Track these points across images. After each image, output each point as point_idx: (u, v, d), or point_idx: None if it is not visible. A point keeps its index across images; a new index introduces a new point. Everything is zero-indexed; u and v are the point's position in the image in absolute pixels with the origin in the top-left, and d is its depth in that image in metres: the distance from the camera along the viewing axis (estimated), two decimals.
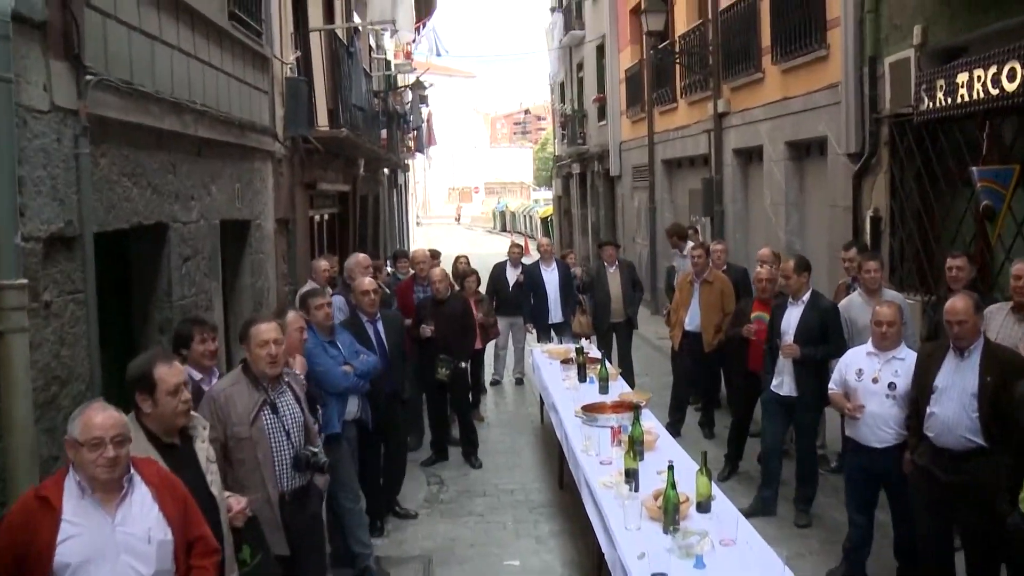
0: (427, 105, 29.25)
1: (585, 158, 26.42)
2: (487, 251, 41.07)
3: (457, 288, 9.92)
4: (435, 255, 11.54)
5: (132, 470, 3.47)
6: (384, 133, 18.10)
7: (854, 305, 7.33)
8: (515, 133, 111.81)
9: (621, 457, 6.03)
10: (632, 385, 10.11)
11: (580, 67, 27.42)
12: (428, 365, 8.85)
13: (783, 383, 7.21)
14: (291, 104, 10.13)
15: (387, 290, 9.91)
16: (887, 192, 9.07)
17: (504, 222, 55.76)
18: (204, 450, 4.00)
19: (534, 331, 12.12)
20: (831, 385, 6.21)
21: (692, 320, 9.79)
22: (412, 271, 10.26)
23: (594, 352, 10.11)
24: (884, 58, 8.95)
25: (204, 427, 4.10)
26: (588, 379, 8.63)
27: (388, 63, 22.28)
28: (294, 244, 10.46)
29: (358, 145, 12.99)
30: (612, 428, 6.50)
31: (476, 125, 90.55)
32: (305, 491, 4.98)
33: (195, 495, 3.72)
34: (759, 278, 8.38)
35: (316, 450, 5.01)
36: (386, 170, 24.02)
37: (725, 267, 10.37)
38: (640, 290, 11.89)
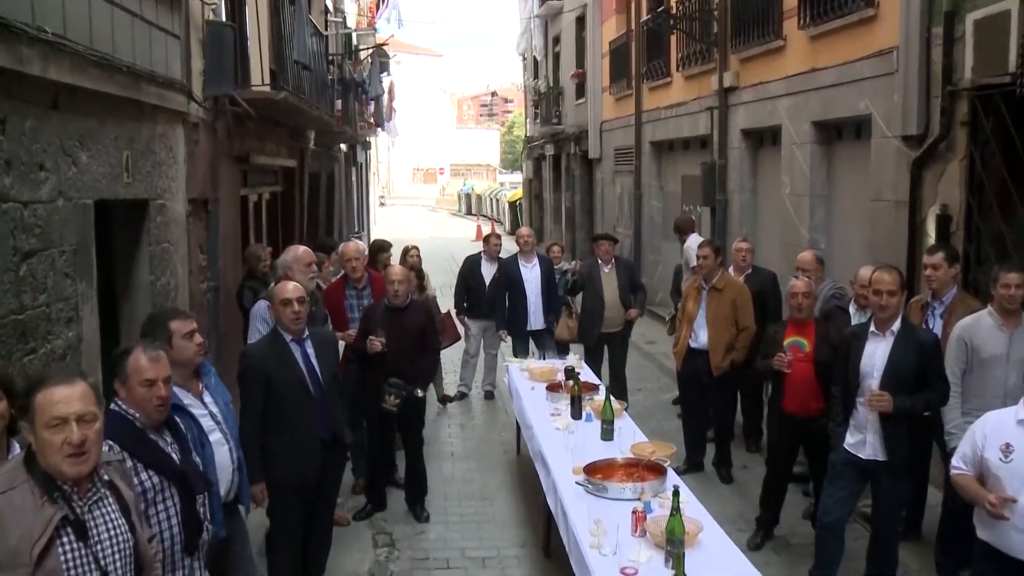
0: (388, 74, 27.05)
1: (560, 139, 24.45)
2: (452, 235, 39.18)
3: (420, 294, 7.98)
4: (383, 247, 9.56)
5: None
6: (339, 104, 15.98)
7: (982, 329, 5.38)
8: (481, 115, 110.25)
9: (649, 558, 4.16)
10: (624, 398, 8.30)
11: (556, 41, 25.39)
12: (371, 388, 6.89)
13: (865, 442, 5.31)
14: (213, 55, 8.06)
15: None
16: (963, 184, 7.18)
17: (470, 205, 53.68)
18: None
19: (509, 340, 10.17)
20: (957, 463, 4.31)
21: (697, 336, 7.93)
22: (344, 268, 8.00)
23: (587, 374, 8.20)
24: (965, 15, 7.07)
25: None
26: (585, 415, 6.68)
27: (347, 27, 20.12)
28: (216, 230, 8.39)
29: (302, 112, 10.92)
30: (635, 513, 4.56)
31: (442, 105, 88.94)
32: None
33: None
34: (795, 292, 6.42)
35: None
36: (343, 146, 21.89)
37: (750, 270, 8.51)
38: (643, 293, 9.97)
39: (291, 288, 5.25)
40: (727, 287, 7.88)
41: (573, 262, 10.63)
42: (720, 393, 8.03)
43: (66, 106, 5.14)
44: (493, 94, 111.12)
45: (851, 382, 5.33)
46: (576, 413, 6.69)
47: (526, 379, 8.08)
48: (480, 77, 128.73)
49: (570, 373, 7.39)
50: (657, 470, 5.25)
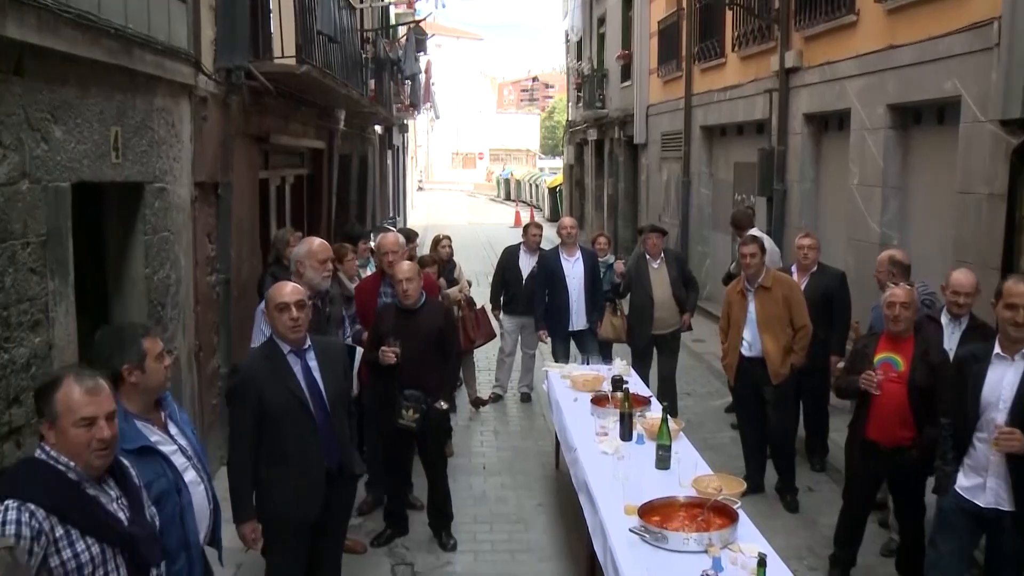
0: (425, 53, 26.22)
1: (604, 123, 23.49)
2: (490, 220, 38.34)
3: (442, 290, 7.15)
4: (410, 237, 8.75)
5: None
6: (373, 84, 15.19)
7: None
8: (522, 100, 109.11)
9: None
10: (674, 413, 7.43)
11: (602, 21, 24.39)
12: (386, 403, 6.08)
13: (984, 487, 4.40)
14: (226, 23, 7.27)
15: (349, 286, 7.12)
16: None
17: (508, 190, 52.76)
18: None
19: (548, 340, 9.33)
20: None
21: (753, 343, 7.04)
22: (380, 263, 7.08)
23: (636, 383, 7.34)
24: None
25: None
26: (636, 436, 5.83)
27: (385, 4, 19.30)
28: (227, 217, 7.60)
29: (330, 89, 10.11)
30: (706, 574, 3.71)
31: (483, 89, 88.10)
32: None
33: None
34: (893, 301, 5.38)
35: None
36: (378, 128, 21.11)
37: (815, 269, 7.59)
38: (695, 290, 9.07)
39: (288, 291, 4.41)
40: (775, 284, 6.97)
41: (615, 260, 9.78)
42: (781, 404, 7.13)
43: (34, 72, 4.35)
44: (534, 79, 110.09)
45: (969, 414, 4.40)
46: (626, 434, 5.83)
47: (568, 388, 7.22)
48: (521, 62, 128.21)
49: (618, 384, 6.53)
50: (726, 514, 4.39)
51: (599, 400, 6.60)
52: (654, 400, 6.70)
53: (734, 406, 8.19)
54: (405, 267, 6.12)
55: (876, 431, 5.38)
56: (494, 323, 9.79)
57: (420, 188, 56.58)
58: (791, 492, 7.07)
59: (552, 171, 46.06)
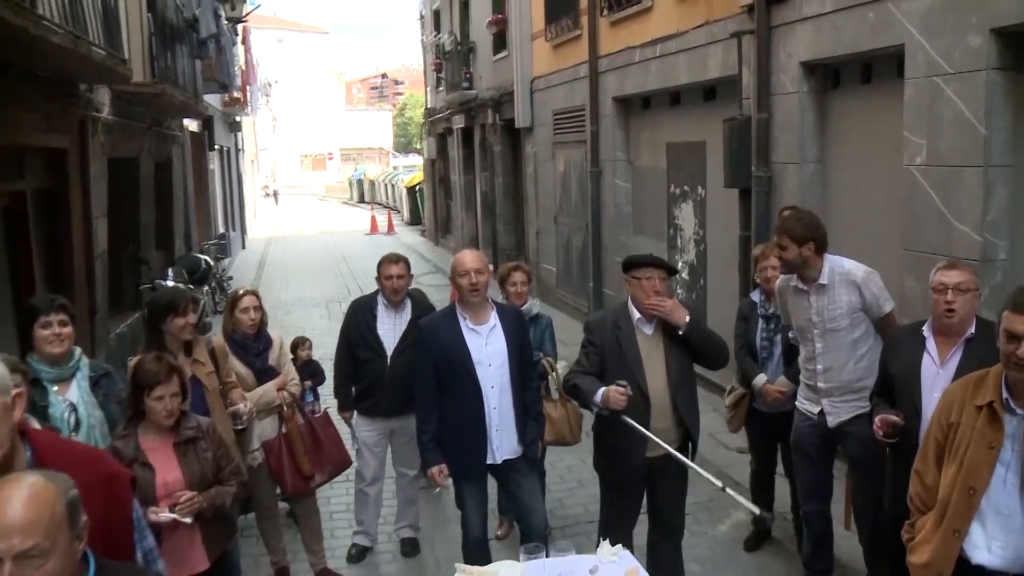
0: (237, 35, 21.51)
1: (473, 107, 19.51)
2: (343, 228, 33.75)
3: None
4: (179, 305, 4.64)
5: None
6: (150, 48, 10.69)
7: None
8: (372, 97, 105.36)
9: None
10: None
11: None
12: None
13: None
14: None
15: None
16: None
17: (362, 192, 48.27)
18: None
19: (449, 485, 4.98)
20: None
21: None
22: None
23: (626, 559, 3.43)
24: None
25: None
26: None
27: None
28: None
29: (63, 50, 5.76)
30: None
31: (330, 87, 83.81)
32: None
33: None
34: None
35: None
36: (191, 123, 16.53)
37: (971, 332, 3.83)
38: (722, 356, 4.93)
39: None
40: None
41: (537, 309, 5.88)
42: None
43: None
44: (383, 76, 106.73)
45: None
46: None
47: None
48: (370, 59, 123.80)
49: None
50: None
51: None
52: None
53: None
54: None
55: None
56: (344, 437, 5.71)
57: (269, 195, 51.47)
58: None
59: (408, 169, 42.26)
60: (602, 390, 4.35)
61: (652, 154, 11.06)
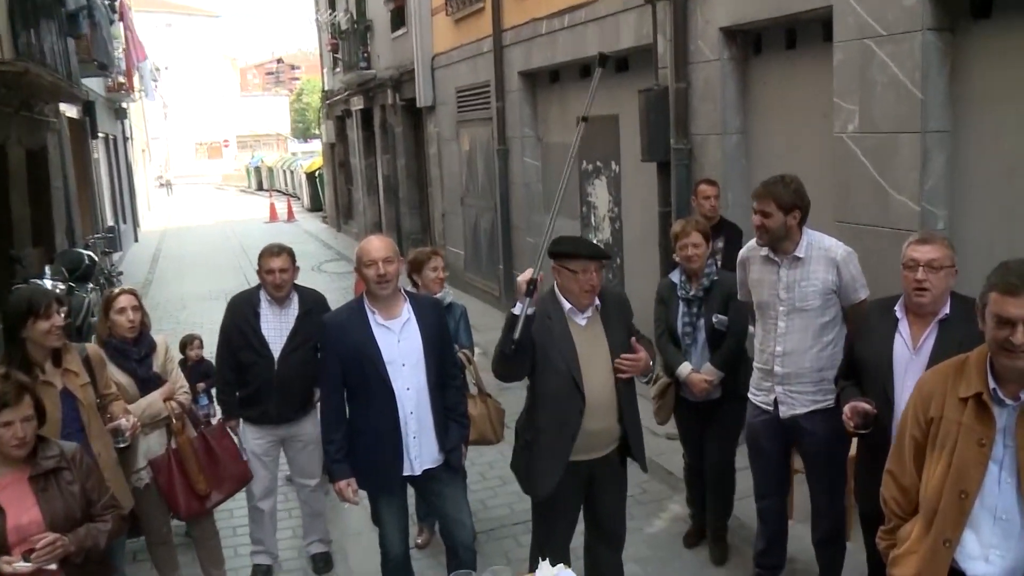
0: (115, 12, 20.27)
1: (371, 88, 18.81)
2: (242, 216, 32.56)
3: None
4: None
5: None
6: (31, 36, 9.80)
7: None
8: (268, 84, 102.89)
9: None
10: None
11: None
12: None
13: None
14: None
15: None
16: None
17: (260, 179, 46.89)
18: None
19: (360, 499, 4.46)
20: None
21: None
22: None
23: None
24: None
25: None
26: None
27: None
28: None
29: None
30: None
31: (224, 72, 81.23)
32: None
33: None
34: None
35: None
36: (69, 109, 15.48)
37: (944, 312, 3.51)
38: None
39: None
40: None
41: (447, 299, 5.40)
42: None
43: None
44: (279, 60, 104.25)
45: None
46: None
47: None
48: (264, 45, 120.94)
49: None
50: None
51: None
52: None
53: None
54: None
55: None
56: (242, 452, 5.12)
57: (163, 185, 49.52)
58: None
59: (307, 155, 41.15)
60: None
61: (562, 130, 10.63)
